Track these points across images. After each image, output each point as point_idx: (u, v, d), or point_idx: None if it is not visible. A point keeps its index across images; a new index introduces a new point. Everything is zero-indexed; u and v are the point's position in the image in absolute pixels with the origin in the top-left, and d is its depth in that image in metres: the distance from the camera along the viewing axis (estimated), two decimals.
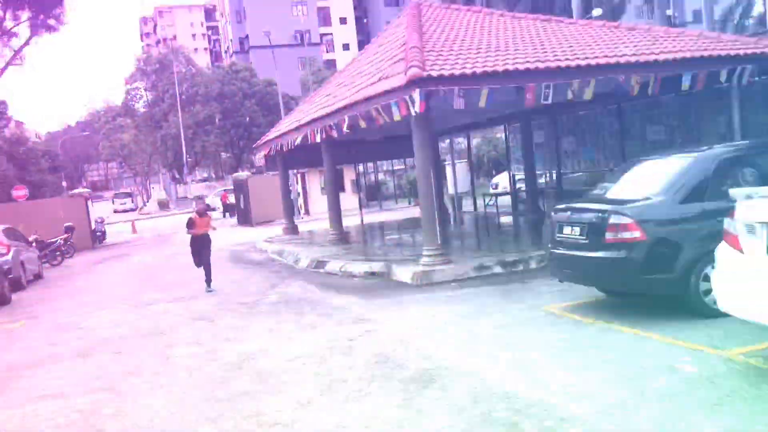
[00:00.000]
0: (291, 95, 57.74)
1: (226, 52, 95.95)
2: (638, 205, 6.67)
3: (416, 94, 9.41)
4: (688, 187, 6.59)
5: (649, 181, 7.07)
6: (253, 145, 25.35)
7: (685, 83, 11.04)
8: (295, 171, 30.04)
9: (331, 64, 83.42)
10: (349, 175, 32.05)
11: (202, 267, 12.09)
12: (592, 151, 16.31)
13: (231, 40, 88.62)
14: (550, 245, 7.74)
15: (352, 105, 11.61)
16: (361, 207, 24.49)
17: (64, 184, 69.62)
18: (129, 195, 70.89)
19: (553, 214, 7.80)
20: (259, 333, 8.16)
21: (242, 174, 33.28)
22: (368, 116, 11.09)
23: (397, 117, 10.32)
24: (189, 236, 12.30)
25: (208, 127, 56.80)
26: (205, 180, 75.88)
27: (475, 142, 32.83)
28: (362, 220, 22.00)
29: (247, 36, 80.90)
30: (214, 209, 37.30)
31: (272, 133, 19.73)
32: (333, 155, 16.59)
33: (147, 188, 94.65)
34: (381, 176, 37.07)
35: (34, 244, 19.38)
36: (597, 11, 24.35)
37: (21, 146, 46.99)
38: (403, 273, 10.75)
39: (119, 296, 12.80)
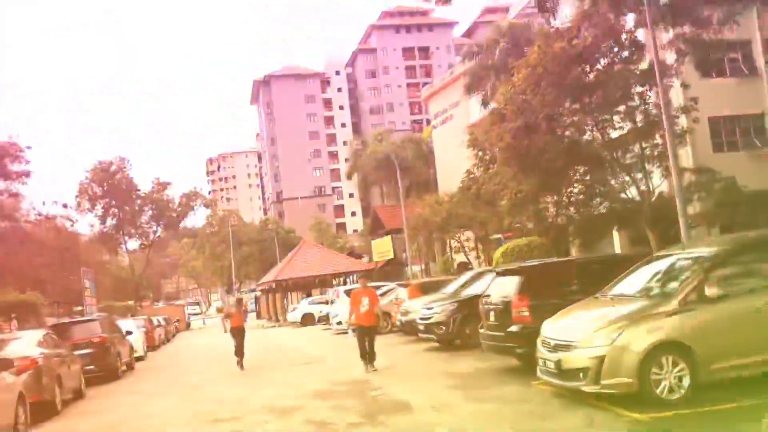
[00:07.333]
0: (303, 236, 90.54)
1: (267, 199, 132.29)
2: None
3: (274, 283, 41.95)
4: None
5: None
6: (257, 283, 58.09)
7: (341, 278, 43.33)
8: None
9: (340, 208, 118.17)
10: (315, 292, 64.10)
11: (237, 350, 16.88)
12: None
13: (270, 193, 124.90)
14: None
15: (270, 281, 44.22)
16: None
17: (150, 294, 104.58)
18: (197, 303, 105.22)
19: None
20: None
21: (258, 292, 66.17)
22: (278, 285, 43.65)
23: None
24: (229, 327, 17.17)
25: (249, 259, 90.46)
26: (253, 290, 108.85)
27: None
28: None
29: (281, 191, 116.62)
30: (249, 311, 69.68)
31: (262, 280, 52.22)
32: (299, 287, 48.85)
33: (208, 298, 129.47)
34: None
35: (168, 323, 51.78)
36: None
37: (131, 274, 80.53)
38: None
39: (208, 343, 44.90)
